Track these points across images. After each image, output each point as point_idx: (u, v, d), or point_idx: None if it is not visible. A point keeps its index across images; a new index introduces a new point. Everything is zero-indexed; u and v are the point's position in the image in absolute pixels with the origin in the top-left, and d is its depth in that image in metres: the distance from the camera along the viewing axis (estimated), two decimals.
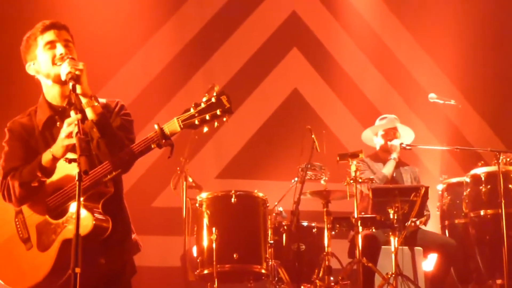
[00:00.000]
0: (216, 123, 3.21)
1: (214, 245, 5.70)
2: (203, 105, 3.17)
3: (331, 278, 5.96)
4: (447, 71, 8.40)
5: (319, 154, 6.32)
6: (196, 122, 3.18)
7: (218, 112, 3.16)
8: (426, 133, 8.07)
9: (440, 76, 8.41)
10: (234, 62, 8.19)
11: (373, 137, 6.97)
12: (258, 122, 8.16)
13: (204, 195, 5.98)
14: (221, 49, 8.19)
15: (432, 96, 6.93)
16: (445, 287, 6.40)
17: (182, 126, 3.20)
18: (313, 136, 6.32)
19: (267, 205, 6.05)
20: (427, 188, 6.15)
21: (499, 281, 6.14)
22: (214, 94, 3.17)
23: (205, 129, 3.22)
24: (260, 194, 6.04)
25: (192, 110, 3.18)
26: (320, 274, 5.99)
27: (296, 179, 6.32)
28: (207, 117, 3.16)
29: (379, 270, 6.01)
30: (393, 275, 5.87)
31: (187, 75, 8.04)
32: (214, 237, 5.70)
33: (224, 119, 3.19)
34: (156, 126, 3.23)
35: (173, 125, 3.22)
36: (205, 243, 5.79)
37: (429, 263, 6.45)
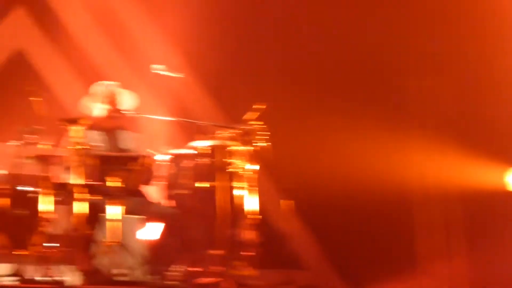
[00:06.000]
0: None
1: None
2: None
3: (50, 244, 5.83)
4: (176, 43, 8.42)
5: (41, 117, 6.11)
6: None
7: None
8: (152, 103, 8.00)
9: (169, 48, 8.42)
10: None
11: (93, 104, 6.75)
12: None
13: None
14: None
15: (156, 67, 6.83)
16: (165, 255, 6.39)
17: None
18: (35, 98, 6.13)
19: None
20: (149, 157, 6.21)
21: (217, 251, 6.23)
22: None
23: None
24: None
25: None
26: (38, 240, 5.78)
27: (15, 141, 6.06)
28: None
29: (98, 238, 5.95)
30: (114, 243, 5.87)
31: None
32: None
33: None
34: None
35: None
36: None
37: (150, 231, 6.42)
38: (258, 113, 6.41)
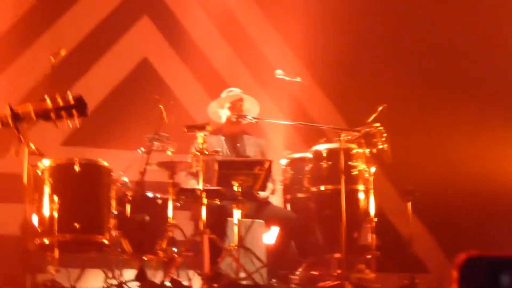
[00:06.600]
0: (69, 122, 3.24)
1: (55, 214, 5.59)
2: (60, 103, 3.21)
3: (174, 249, 5.97)
4: (295, 48, 8.42)
5: (166, 124, 6.32)
6: (51, 117, 3.22)
7: (74, 112, 3.20)
8: (272, 108, 8.08)
9: (288, 53, 8.43)
10: (83, 26, 7.96)
11: (218, 110, 6.88)
12: (106, 89, 7.97)
13: (46, 163, 5.81)
14: (70, 12, 7.96)
15: (278, 72, 6.92)
16: (285, 259, 6.49)
17: (35, 117, 3.22)
18: (161, 106, 6.32)
19: (112, 174, 5.95)
20: (271, 162, 6.25)
21: (337, 255, 6.27)
22: (71, 97, 3.21)
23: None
24: (105, 163, 5.94)
25: (49, 104, 3.22)
26: (163, 245, 5.94)
27: (142, 149, 6.25)
28: (63, 115, 3.21)
29: (223, 243, 6.06)
30: (235, 247, 5.93)
31: (33, 37, 7.75)
32: (56, 206, 5.60)
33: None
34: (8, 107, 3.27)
35: (26, 111, 3.25)
36: (46, 211, 5.65)
37: (270, 235, 6.47)
38: (378, 115, 6.45)
